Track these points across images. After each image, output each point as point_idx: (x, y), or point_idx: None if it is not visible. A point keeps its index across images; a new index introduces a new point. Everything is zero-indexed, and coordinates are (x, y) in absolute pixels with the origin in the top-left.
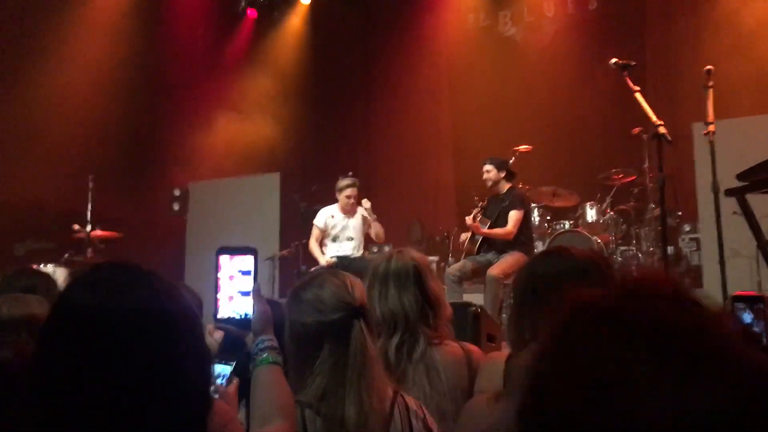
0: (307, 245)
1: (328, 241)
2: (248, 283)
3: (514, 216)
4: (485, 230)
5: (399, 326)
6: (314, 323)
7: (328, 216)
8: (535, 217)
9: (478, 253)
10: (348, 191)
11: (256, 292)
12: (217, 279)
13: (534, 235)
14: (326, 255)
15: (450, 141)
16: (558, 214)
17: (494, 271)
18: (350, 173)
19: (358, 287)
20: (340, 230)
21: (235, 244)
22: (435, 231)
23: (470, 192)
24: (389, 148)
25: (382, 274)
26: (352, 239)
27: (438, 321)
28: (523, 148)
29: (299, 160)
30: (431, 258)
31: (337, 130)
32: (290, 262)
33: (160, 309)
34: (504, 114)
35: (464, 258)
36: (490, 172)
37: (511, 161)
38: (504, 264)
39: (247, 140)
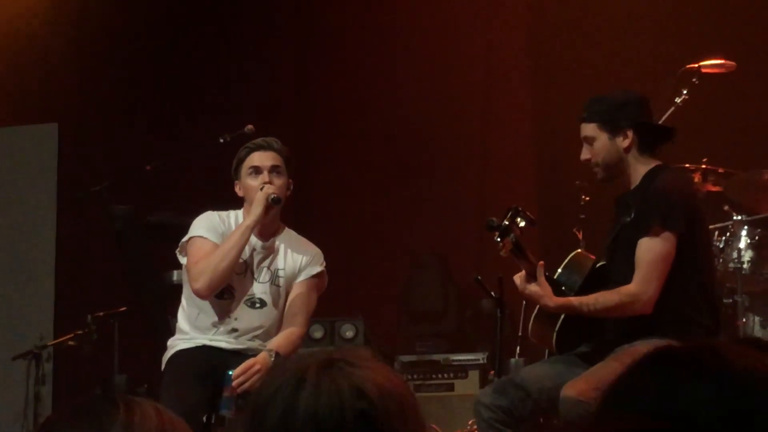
0: (126, 313)
1: (198, 301)
2: None
3: (646, 250)
4: (561, 301)
5: None
6: None
7: (219, 223)
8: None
9: (564, 345)
10: (256, 159)
11: None
12: None
13: (724, 297)
14: (189, 337)
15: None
16: None
17: (574, 388)
18: (248, 127)
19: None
20: (242, 273)
21: None
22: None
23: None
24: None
25: (275, 422)
26: (260, 305)
27: None
28: (710, 63)
29: (103, 99)
30: (465, 357)
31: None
32: (89, 364)
33: None
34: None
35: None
36: (592, 139)
37: (664, 113)
38: (615, 367)
39: None
